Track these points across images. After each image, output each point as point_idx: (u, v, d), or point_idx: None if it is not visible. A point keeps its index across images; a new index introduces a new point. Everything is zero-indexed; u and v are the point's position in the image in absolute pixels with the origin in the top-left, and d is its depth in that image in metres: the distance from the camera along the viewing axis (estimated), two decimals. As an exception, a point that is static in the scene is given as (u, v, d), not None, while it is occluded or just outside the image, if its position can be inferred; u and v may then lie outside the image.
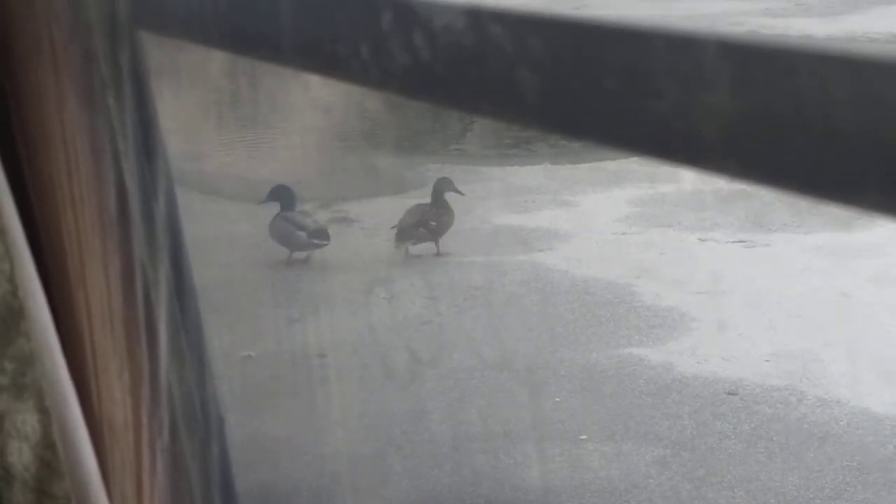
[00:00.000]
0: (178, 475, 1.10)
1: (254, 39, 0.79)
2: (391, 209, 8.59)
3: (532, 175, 9.64)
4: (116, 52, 1.03)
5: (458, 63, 0.60)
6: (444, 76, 0.61)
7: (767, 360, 6.00)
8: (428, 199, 7.93)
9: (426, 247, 7.62)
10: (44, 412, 1.07)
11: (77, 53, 1.05)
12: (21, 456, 1.06)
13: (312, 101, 10.73)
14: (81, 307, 1.10)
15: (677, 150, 0.52)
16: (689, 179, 9.28)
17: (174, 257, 1.08)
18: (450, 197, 7.90)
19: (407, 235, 7.61)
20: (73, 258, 1.11)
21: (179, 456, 1.09)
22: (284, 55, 0.74)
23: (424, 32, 0.61)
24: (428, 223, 7.64)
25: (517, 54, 0.56)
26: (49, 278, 1.12)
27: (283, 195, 7.59)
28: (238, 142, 10.22)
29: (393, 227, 7.70)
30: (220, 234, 7.40)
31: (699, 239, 7.86)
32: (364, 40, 0.65)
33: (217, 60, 10.32)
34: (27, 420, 1.07)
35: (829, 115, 0.43)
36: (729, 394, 5.66)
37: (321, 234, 7.56)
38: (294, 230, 7.50)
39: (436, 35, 0.61)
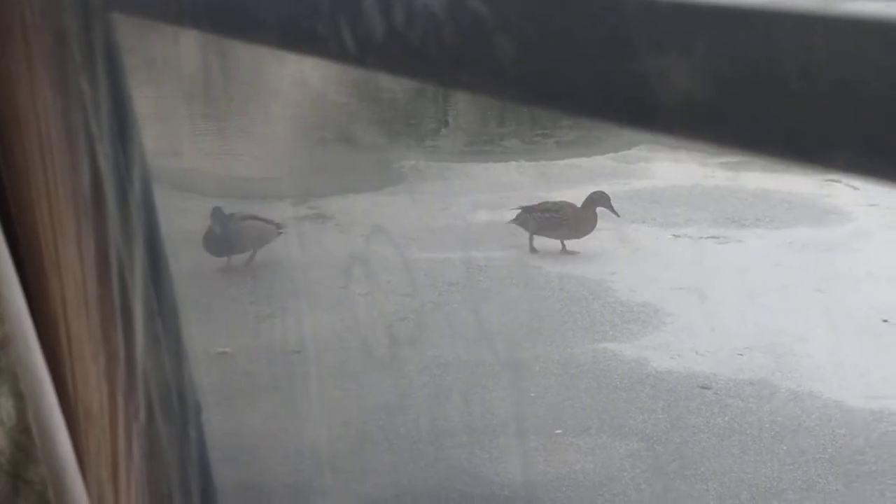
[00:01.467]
0: (155, 458, 1.09)
1: (229, 18, 0.79)
2: (366, 205, 8.59)
3: (507, 172, 9.65)
4: (89, 35, 1.02)
5: (436, 35, 0.60)
6: (422, 48, 0.61)
7: (740, 355, 6.03)
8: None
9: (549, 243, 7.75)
10: (18, 396, 1.06)
11: (49, 36, 1.04)
12: (-5, 440, 1.06)
13: (285, 96, 10.71)
14: (56, 291, 1.10)
15: (656, 117, 0.52)
16: (662, 176, 9.32)
17: (149, 240, 1.07)
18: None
19: (523, 216, 7.81)
20: (47, 242, 1.10)
21: (156, 439, 1.09)
22: (261, 33, 0.74)
23: (402, 5, 0.61)
24: (545, 213, 7.76)
25: (496, 24, 0.56)
26: (23, 262, 1.11)
27: (218, 215, 7.46)
28: (208, 137, 10.19)
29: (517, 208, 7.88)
30: (191, 230, 7.37)
31: (673, 235, 7.89)
32: (343, 16, 0.65)
33: (186, 54, 10.28)
34: (2, 404, 1.06)
35: (808, 75, 0.43)
36: (702, 388, 5.69)
37: (278, 224, 7.57)
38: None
39: (413, 7, 0.61)
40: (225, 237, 7.30)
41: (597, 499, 4.74)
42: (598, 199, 7.84)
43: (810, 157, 0.46)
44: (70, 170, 1.05)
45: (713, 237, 7.86)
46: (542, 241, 7.83)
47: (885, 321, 6.32)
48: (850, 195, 8.59)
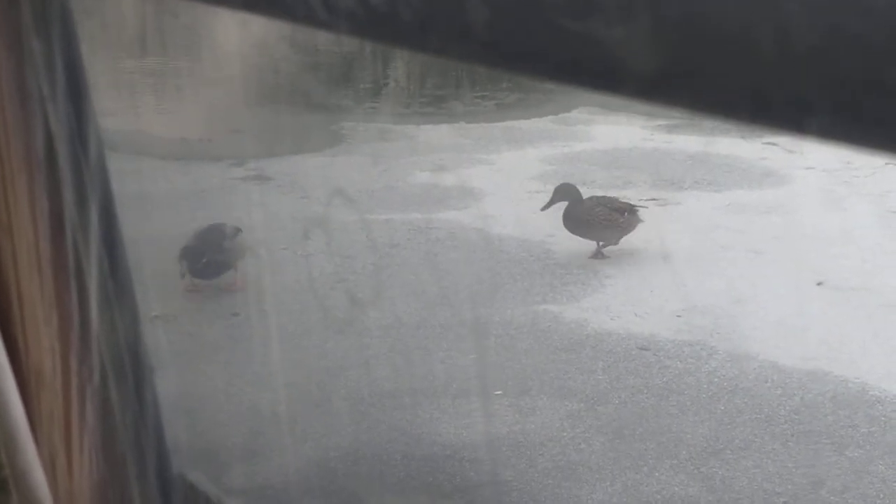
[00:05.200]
0: (109, 421, 1.09)
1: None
2: (306, 167, 8.55)
3: (447, 134, 9.65)
4: (42, -6, 1.01)
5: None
6: (391, 13, 0.61)
7: (679, 316, 6.09)
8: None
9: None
10: (-31, 359, 1.05)
11: (1, -5, 1.03)
12: (-53, 404, 1.05)
13: (225, 58, 10.61)
14: (7, 252, 1.09)
15: (626, 81, 0.52)
16: (601, 138, 9.36)
17: (103, 201, 1.07)
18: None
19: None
20: (-3, 204, 1.09)
21: (109, 401, 1.09)
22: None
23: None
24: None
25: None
26: (-27, 224, 1.10)
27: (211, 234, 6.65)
28: (145, 97, 10.08)
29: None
30: (131, 192, 7.30)
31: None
32: None
33: (124, 12, 10.15)
34: (-48, 367, 1.05)
35: (782, 43, 0.44)
36: (641, 349, 5.74)
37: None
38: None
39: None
40: (221, 258, 6.50)
41: (537, 458, 4.78)
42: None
43: (782, 123, 0.47)
44: (22, 131, 1.04)
45: (652, 199, 7.92)
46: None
47: (820, 283, 6.41)
48: (787, 158, 8.69)
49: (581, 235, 6.97)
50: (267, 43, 10.35)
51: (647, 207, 7.10)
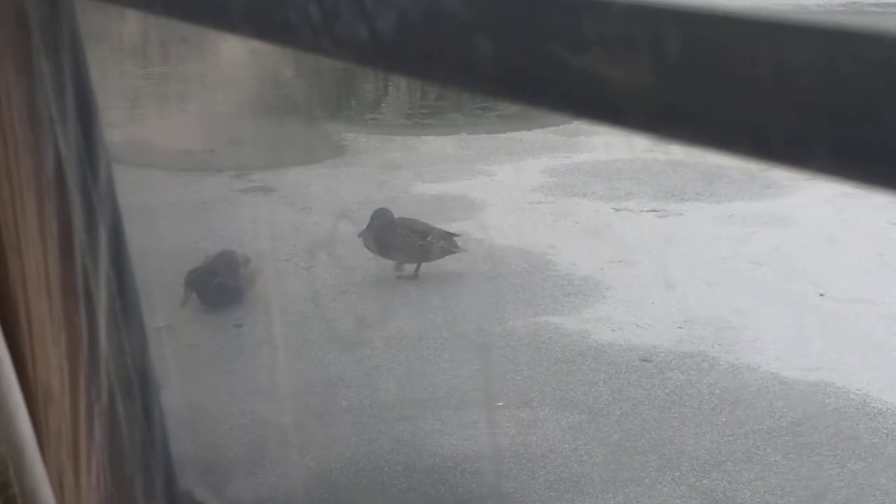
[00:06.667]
0: (116, 439, 1.10)
1: (199, 4, 0.79)
2: (308, 178, 8.56)
3: (448, 144, 9.66)
4: (51, 17, 1.02)
5: (412, 30, 0.61)
6: (398, 43, 0.62)
7: (680, 327, 6.10)
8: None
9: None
10: (-22, 378, 1.06)
11: (11, 18, 1.04)
12: (-44, 422, 1.06)
13: (227, 68, 10.63)
14: (16, 273, 1.10)
15: (627, 115, 0.54)
16: (603, 149, 9.37)
17: (111, 223, 1.08)
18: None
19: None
20: (7, 224, 1.10)
21: (117, 420, 1.10)
22: (232, 22, 0.74)
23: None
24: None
25: (471, 21, 0.58)
26: (-18, 244, 1.11)
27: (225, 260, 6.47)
28: (151, 110, 10.10)
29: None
30: (134, 203, 7.31)
31: (613, 208, 7.95)
32: (315, 7, 0.66)
33: (134, 27, 10.17)
34: (-38, 386, 1.06)
35: (782, 82, 0.45)
36: (643, 360, 5.75)
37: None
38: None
39: (388, 1, 0.62)
40: (234, 284, 6.31)
41: (538, 471, 4.78)
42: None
43: (782, 158, 0.48)
44: (32, 151, 1.05)
45: (653, 211, 7.93)
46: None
47: (822, 295, 6.41)
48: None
49: (376, 253, 6.81)
50: (269, 54, 10.37)
51: (460, 235, 6.93)
